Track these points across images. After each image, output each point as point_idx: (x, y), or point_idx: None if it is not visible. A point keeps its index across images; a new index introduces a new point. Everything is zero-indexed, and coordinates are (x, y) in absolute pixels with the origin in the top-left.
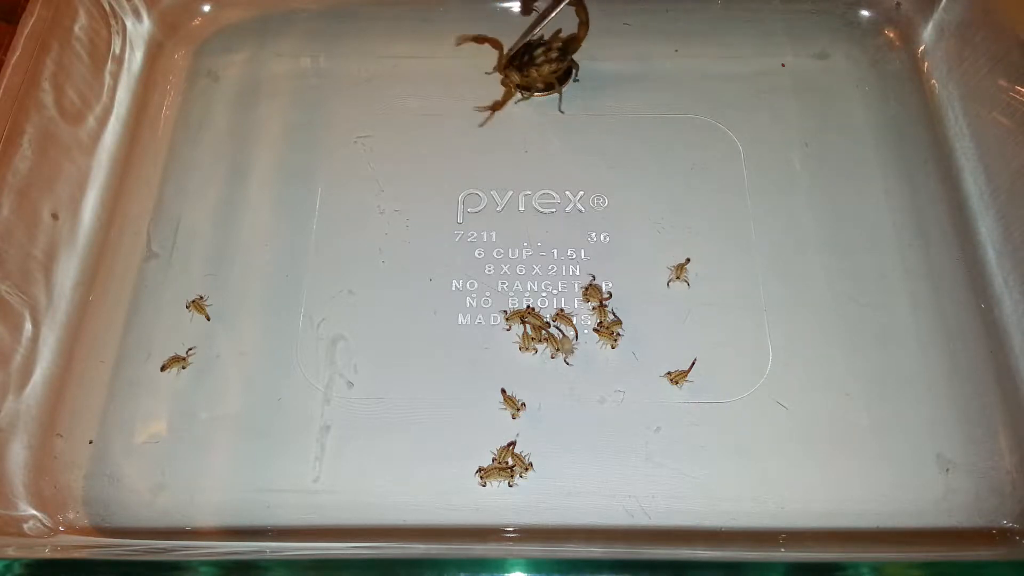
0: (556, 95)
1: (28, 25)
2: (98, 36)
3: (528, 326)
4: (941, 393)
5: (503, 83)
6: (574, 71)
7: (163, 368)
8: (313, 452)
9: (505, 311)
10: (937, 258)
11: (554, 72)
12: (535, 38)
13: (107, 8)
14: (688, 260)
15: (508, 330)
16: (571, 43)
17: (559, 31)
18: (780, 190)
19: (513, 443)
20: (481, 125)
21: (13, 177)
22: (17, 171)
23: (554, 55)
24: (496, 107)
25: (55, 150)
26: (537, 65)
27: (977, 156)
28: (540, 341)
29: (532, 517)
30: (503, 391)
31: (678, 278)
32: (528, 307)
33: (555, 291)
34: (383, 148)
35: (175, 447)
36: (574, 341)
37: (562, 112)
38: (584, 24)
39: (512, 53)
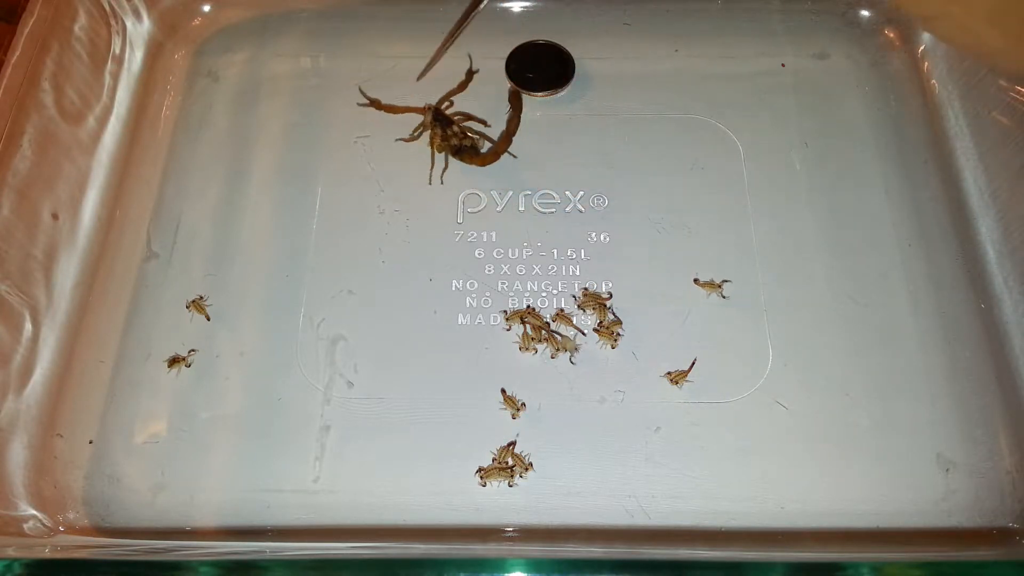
0: (552, 93)
1: (28, 25)
2: (98, 36)
3: (528, 326)
4: (941, 393)
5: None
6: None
7: (169, 364)
8: (313, 452)
9: (505, 311)
10: (937, 258)
11: (445, 148)
12: (468, 127)
13: (107, 8)
14: (696, 280)
15: (508, 330)
16: (472, 150)
17: (476, 139)
18: (780, 190)
19: (513, 443)
20: (400, 141)
21: (13, 177)
22: (17, 171)
23: (452, 142)
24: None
25: (55, 150)
26: (449, 130)
27: (977, 156)
28: (540, 341)
29: (532, 517)
30: (503, 391)
31: (719, 286)
32: (528, 307)
33: (555, 291)
34: (383, 148)
35: (175, 447)
36: (575, 340)
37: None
38: (515, 119)
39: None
